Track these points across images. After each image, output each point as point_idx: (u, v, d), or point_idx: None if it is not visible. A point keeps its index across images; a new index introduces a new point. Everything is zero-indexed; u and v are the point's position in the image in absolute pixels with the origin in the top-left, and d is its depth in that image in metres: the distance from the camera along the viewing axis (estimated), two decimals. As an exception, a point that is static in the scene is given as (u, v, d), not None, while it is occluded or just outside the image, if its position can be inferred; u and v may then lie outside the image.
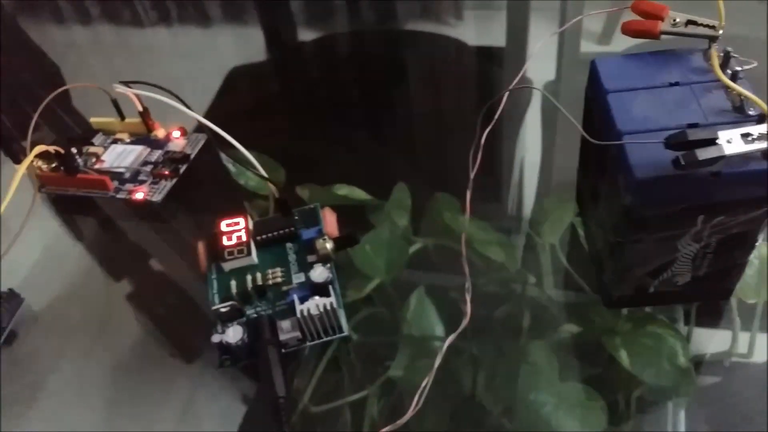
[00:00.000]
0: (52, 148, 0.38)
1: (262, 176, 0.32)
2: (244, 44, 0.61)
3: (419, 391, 0.29)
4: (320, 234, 0.32)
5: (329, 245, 0.31)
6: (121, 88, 0.36)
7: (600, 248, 0.32)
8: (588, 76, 0.30)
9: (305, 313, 0.29)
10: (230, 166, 0.44)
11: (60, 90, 0.39)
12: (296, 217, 0.35)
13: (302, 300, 0.30)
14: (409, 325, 0.34)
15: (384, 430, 0.28)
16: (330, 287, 0.30)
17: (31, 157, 0.36)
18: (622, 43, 0.35)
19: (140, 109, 0.42)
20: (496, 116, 0.36)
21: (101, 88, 0.41)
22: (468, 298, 0.32)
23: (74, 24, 0.64)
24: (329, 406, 0.31)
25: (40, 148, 0.37)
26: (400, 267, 0.36)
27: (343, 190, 0.41)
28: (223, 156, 0.44)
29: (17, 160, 0.42)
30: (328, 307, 0.29)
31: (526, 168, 0.44)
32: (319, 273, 0.30)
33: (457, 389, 0.32)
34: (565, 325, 0.34)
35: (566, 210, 0.38)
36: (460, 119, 0.47)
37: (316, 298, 0.29)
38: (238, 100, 0.51)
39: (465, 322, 0.30)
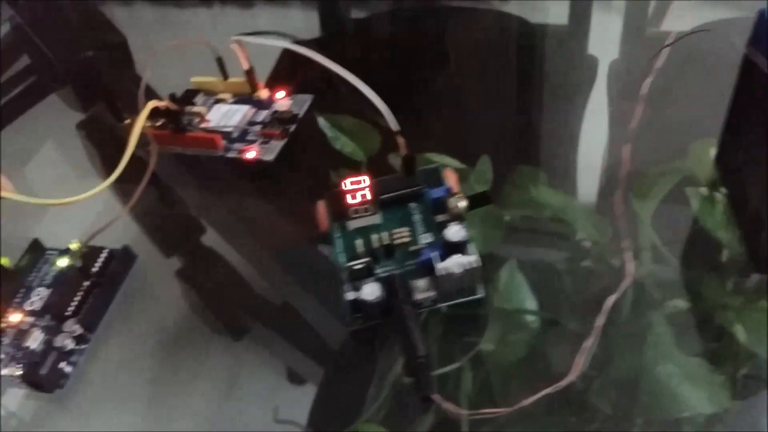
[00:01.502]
0: (162, 104, 0.37)
1: (392, 130, 0.31)
2: (288, 24, 0.60)
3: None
4: (450, 193, 0.31)
5: (462, 204, 0.30)
6: (246, 39, 0.35)
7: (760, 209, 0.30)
8: (753, 31, 0.28)
9: (446, 272, 0.27)
10: (327, 131, 0.43)
11: (171, 44, 0.38)
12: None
13: (429, 262, 0.29)
14: (500, 299, 0.32)
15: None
16: (467, 246, 0.29)
17: (146, 112, 0.35)
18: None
19: (246, 67, 0.41)
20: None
21: (209, 45, 0.40)
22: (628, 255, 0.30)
23: (112, 3, 0.63)
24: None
25: (153, 104, 0.36)
26: (496, 240, 0.35)
27: (436, 158, 0.40)
28: (320, 120, 0.43)
29: (120, 119, 0.41)
30: (471, 266, 0.27)
31: (609, 143, 0.42)
32: (455, 231, 0.29)
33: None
34: (673, 300, 0.32)
35: (666, 182, 0.36)
36: (527, 94, 0.46)
37: (456, 256, 0.28)
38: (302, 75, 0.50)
39: (627, 282, 0.28)
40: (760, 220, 0.30)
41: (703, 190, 0.36)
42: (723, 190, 0.35)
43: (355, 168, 0.39)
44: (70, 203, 0.30)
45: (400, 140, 0.31)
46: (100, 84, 0.51)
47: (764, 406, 0.28)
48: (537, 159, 0.35)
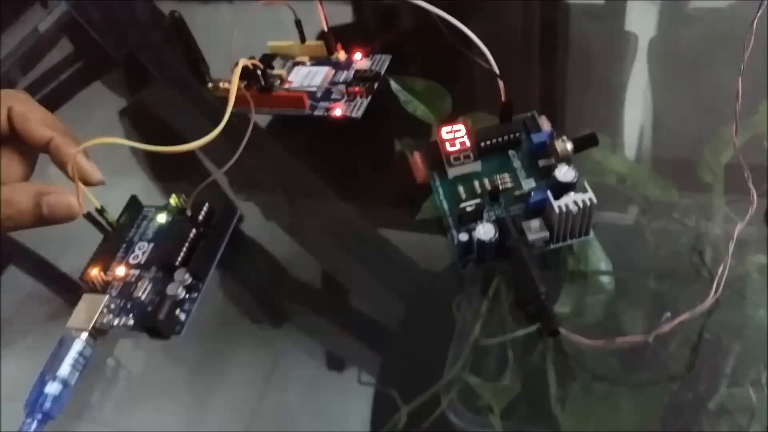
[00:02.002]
0: (251, 63, 0.38)
1: (495, 73, 0.31)
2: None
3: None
4: (552, 136, 0.31)
5: (569, 145, 0.30)
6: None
7: None
8: None
9: (563, 210, 0.28)
10: (399, 94, 0.43)
11: (260, 3, 0.39)
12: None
13: (540, 203, 0.30)
14: (575, 261, 0.33)
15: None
16: (577, 186, 0.29)
17: (238, 72, 0.36)
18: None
19: (326, 29, 0.41)
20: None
21: (289, 6, 0.40)
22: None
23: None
24: (498, 340, 0.31)
25: (244, 62, 0.37)
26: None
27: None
28: (392, 83, 0.43)
29: (203, 81, 0.42)
30: (588, 203, 0.28)
31: (655, 113, 0.43)
32: (565, 172, 0.29)
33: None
34: (755, 257, 0.33)
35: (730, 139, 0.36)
36: (572, 69, 0.47)
37: (571, 194, 0.28)
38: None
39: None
40: None
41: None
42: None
43: (425, 133, 0.40)
44: (176, 151, 0.31)
45: (501, 84, 0.32)
46: (154, 64, 0.52)
47: None
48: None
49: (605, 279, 0.32)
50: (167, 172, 0.44)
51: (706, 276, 0.31)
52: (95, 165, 0.34)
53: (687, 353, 0.30)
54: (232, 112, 0.32)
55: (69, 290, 0.37)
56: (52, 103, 0.49)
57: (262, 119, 0.42)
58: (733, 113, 0.34)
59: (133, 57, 0.58)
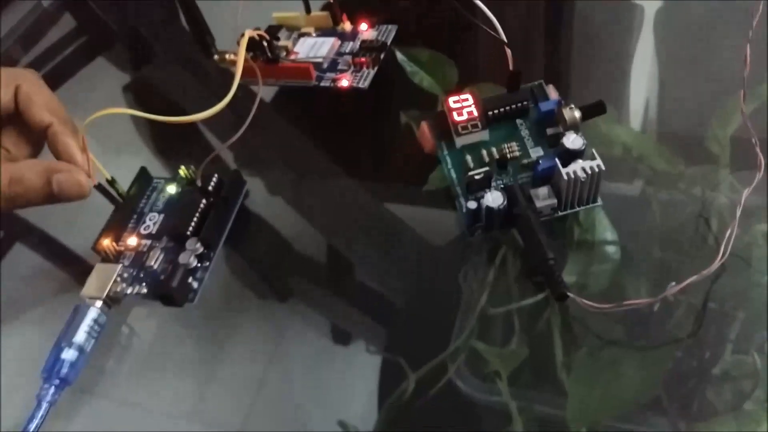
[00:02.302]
0: (257, 35, 0.38)
1: (502, 41, 0.31)
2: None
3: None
4: (560, 105, 0.32)
5: (577, 113, 0.31)
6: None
7: None
8: None
9: (571, 177, 0.28)
10: (405, 65, 0.43)
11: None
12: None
13: (549, 171, 0.30)
14: (582, 231, 0.33)
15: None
16: (585, 153, 0.30)
17: (245, 42, 0.36)
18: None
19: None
20: None
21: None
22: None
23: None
24: (505, 309, 0.32)
25: (250, 33, 0.37)
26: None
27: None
28: (398, 54, 0.43)
29: (209, 54, 0.42)
30: (596, 170, 0.28)
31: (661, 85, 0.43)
32: (573, 140, 0.29)
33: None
34: (760, 225, 0.33)
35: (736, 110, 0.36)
36: (578, 41, 0.47)
37: (579, 161, 0.29)
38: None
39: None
40: None
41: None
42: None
43: (431, 104, 0.40)
44: (185, 121, 0.31)
45: (509, 53, 0.32)
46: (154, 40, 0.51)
47: None
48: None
49: (611, 248, 0.33)
50: (173, 146, 0.44)
51: (711, 245, 0.31)
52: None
53: (691, 321, 0.30)
54: (238, 84, 0.32)
55: (80, 262, 0.37)
56: (54, 79, 0.50)
57: (267, 91, 0.42)
58: (739, 84, 0.34)
59: (136, 32, 0.57)
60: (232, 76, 0.33)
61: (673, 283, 0.29)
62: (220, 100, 0.31)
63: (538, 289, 0.31)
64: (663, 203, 0.34)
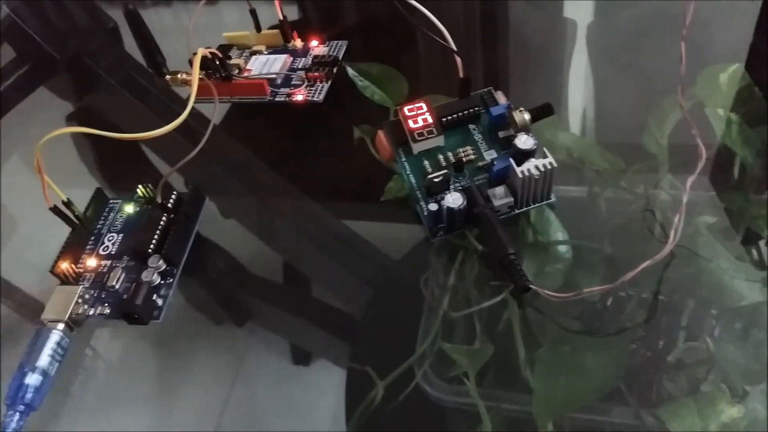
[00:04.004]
0: (209, 52, 0.38)
1: (452, 49, 0.32)
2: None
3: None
4: (510, 108, 0.33)
5: (527, 116, 0.32)
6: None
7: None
8: None
9: (526, 175, 0.29)
10: (356, 80, 0.44)
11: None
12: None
13: (504, 171, 0.31)
14: (534, 233, 0.34)
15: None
16: (537, 153, 0.31)
17: (198, 59, 0.36)
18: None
19: (281, 17, 0.42)
20: None
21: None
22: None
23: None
24: (467, 312, 0.33)
25: (203, 51, 0.37)
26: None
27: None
28: (348, 69, 0.44)
29: (160, 73, 0.42)
30: (549, 167, 0.29)
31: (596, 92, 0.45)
32: (525, 140, 0.31)
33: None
34: (702, 217, 0.35)
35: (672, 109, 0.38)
36: (515, 54, 0.49)
37: (533, 160, 0.30)
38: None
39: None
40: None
41: (721, 111, 0.39)
42: (735, 113, 0.38)
43: (382, 117, 0.40)
44: (138, 138, 0.31)
45: (459, 61, 0.33)
46: (94, 72, 0.51)
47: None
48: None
49: (562, 248, 0.34)
50: (122, 169, 0.44)
51: (658, 238, 0.33)
52: None
53: (644, 313, 0.31)
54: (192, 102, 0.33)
55: (37, 286, 0.36)
56: None
57: (220, 109, 0.42)
58: (671, 87, 0.36)
59: (79, 60, 0.57)
60: (178, 98, 0.34)
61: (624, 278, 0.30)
62: (167, 122, 0.31)
63: (497, 288, 0.32)
64: (609, 202, 0.36)
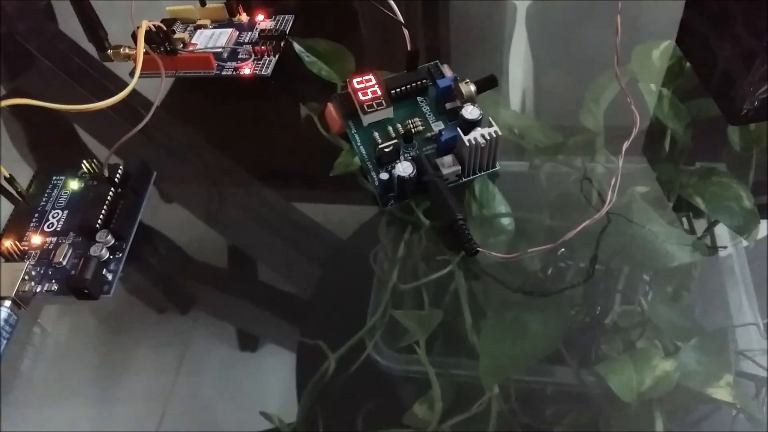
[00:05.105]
0: (153, 25, 0.38)
1: (400, 21, 0.33)
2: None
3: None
4: (456, 81, 0.34)
5: (473, 87, 0.33)
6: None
7: (727, 66, 0.35)
8: None
9: (473, 143, 0.30)
10: (303, 56, 0.44)
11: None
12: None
13: (451, 141, 0.32)
14: (478, 207, 0.35)
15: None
16: (482, 123, 0.32)
17: (143, 32, 0.35)
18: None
19: (228, -10, 0.41)
20: None
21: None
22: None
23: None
24: (415, 284, 0.33)
25: (146, 24, 0.37)
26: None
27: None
28: (295, 45, 0.44)
29: (102, 48, 0.41)
30: (494, 135, 0.31)
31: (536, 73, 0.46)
32: (471, 110, 0.32)
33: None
34: (636, 187, 0.36)
35: (615, 84, 0.40)
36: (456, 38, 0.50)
37: (478, 129, 0.31)
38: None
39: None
40: (724, 74, 0.35)
41: (653, 86, 0.41)
42: (666, 88, 0.40)
43: (330, 93, 0.41)
44: (85, 110, 0.30)
45: (407, 33, 0.33)
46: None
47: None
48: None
49: (505, 221, 0.35)
50: (63, 147, 0.43)
51: (594, 208, 0.34)
52: None
53: (582, 280, 0.33)
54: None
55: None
56: None
57: (162, 85, 0.42)
58: (606, 66, 0.37)
59: (11, 39, 0.55)
60: (115, 77, 0.33)
61: (563, 249, 0.31)
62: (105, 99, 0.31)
63: (444, 262, 0.33)
64: (548, 175, 0.37)
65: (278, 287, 0.37)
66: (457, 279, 0.33)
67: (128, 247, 0.33)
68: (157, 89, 0.39)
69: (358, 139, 0.34)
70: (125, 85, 0.33)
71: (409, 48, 0.34)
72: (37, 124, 0.42)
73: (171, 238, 0.37)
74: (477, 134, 0.30)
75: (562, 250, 0.33)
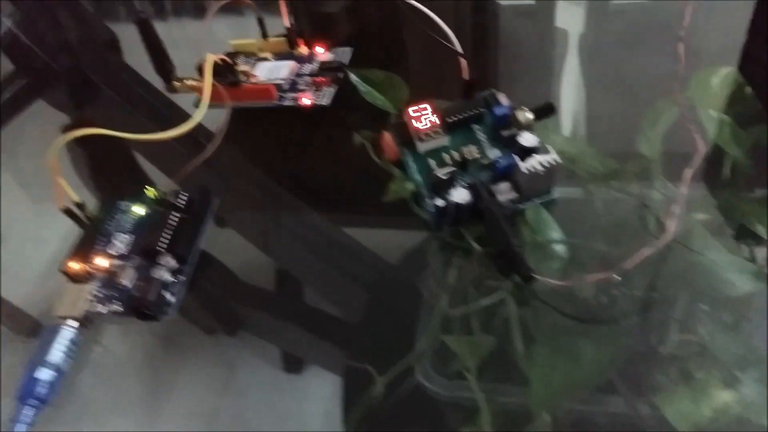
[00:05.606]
0: (218, 58, 0.39)
1: (458, 52, 0.33)
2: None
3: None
4: (513, 109, 0.34)
5: (530, 115, 0.33)
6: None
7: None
8: None
9: (530, 171, 0.30)
10: (359, 85, 0.45)
11: (221, 3, 0.40)
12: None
13: (508, 168, 0.32)
14: (531, 232, 0.35)
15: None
16: (540, 150, 0.32)
17: (210, 64, 0.37)
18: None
19: (288, 24, 0.43)
20: None
21: (249, 3, 0.42)
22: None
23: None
24: (465, 310, 0.33)
25: (212, 57, 0.38)
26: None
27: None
28: (351, 75, 0.45)
29: (168, 79, 0.43)
30: (553, 163, 0.30)
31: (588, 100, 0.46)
32: (528, 137, 0.32)
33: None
34: (695, 214, 0.35)
35: (672, 111, 0.39)
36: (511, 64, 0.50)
37: (536, 156, 0.31)
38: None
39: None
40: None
41: (713, 113, 0.40)
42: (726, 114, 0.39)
43: (384, 121, 0.41)
44: (154, 140, 0.32)
45: (464, 63, 0.34)
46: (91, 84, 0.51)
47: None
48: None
49: (558, 247, 0.34)
50: (111, 182, 0.44)
51: (652, 236, 0.33)
52: None
53: (637, 308, 0.32)
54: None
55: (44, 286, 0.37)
56: None
57: (219, 116, 0.43)
58: (662, 92, 0.37)
59: (77, 71, 0.57)
60: (176, 108, 0.34)
61: (618, 277, 0.30)
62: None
63: (494, 289, 0.33)
64: (603, 202, 0.37)
65: (326, 310, 0.37)
66: (507, 305, 0.33)
67: (191, 270, 0.34)
68: (213, 120, 0.40)
69: (413, 166, 0.34)
70: (185, 115, 0.35)
71: (466, 77, 0.35)
72: (98, 152, 0.44)
73: (223, 262, 0.38)
74: (535, 161, 0.30)
75: (618, 277, 0.33)
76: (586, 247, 0.35)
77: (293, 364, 0.35)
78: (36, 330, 0.36)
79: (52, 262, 0.35)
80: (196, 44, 0.41)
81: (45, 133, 0.51)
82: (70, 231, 0.36)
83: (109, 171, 0.46)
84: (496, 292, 0.33)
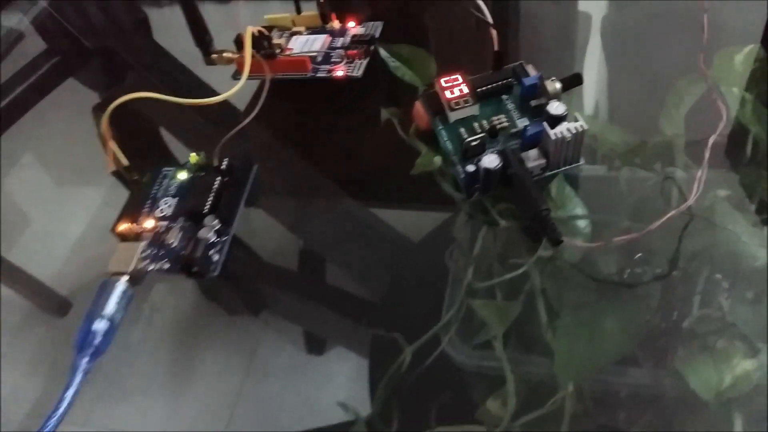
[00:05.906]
0: (256, 30, 0.41)
1: (489, 23, 0.35)
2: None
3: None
4: (541, 79, 0.35)
5: (558, 85, 0.34)
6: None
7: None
8: None
9: (559, 137, 0.32)
10: (388, 60, 0.46)
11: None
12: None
13: (537, 135, 0.33)
14: (554, 208, 0.35)
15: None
16: (568, 117, 0.33)
17: (249, 36, 0.39)
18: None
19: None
20: None
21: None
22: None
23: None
24: (492, 282, 0.34)
25: (251, 29, 0.40)
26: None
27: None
28: (381, 50, 0.46)
29: (207, 52, 0.44)
30: (580, 129, 0.32)
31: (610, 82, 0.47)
32: (557, 106, 0.33)
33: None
34: (718, 191, 0.36)
35: (696, 88, 0.40)
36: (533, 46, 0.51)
37: (564, 124, 0.32)
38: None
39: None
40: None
41: (736, 90, 0.41)
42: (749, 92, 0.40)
43: (413, 95, 0.42)
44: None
45: (494, 34, 0.35)
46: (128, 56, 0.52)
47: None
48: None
49: (581, 223, 0.35)
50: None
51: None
52: None
53: (660, 283, 0.33)
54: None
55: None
56: (25, 101, 0.51)
57: (251, 88, 0.44)
58: (685, 72, 0.38)
59: (109, 49, 0.59)
60: (206, 86, 0.34)
61: (640, 254, 0.32)
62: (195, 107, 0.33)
63: (518, 264, 0.34)
64: (626, 179, 0.38)
65: (354, 283, 0.39)
66: (532, 278, 0.34)
67: (232, 230, 0.35)
68: (245, 92, 0.42)
69: (444, 134, 0.36)
70: (215, 93, 0.36)
71: (495, 48, 0.36)
72: (126, 129, 0.45)
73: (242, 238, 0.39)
74: (563, 128, 0.32)
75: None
76: (609, 222, 0.36)
77: (317, 341, 0.37)
78: (64, 308, 0.38)
79: (79, 243, 0.36)
80: (231, 21, 0.43)
81: (67, 118, 0.53)
82: (97, 212, 0.38)
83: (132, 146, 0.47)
84: (520, 265, 0.34)
